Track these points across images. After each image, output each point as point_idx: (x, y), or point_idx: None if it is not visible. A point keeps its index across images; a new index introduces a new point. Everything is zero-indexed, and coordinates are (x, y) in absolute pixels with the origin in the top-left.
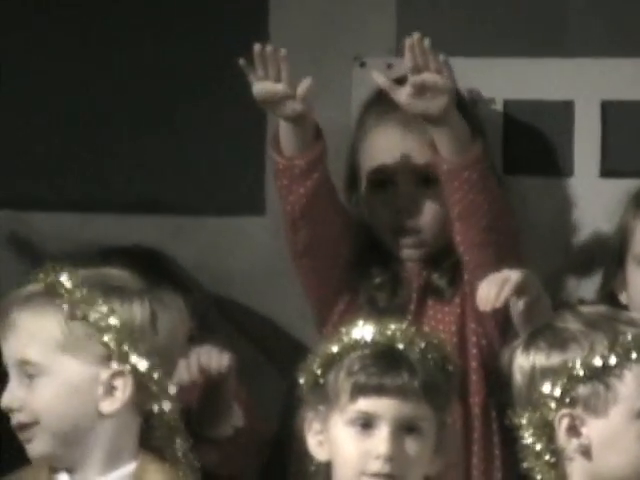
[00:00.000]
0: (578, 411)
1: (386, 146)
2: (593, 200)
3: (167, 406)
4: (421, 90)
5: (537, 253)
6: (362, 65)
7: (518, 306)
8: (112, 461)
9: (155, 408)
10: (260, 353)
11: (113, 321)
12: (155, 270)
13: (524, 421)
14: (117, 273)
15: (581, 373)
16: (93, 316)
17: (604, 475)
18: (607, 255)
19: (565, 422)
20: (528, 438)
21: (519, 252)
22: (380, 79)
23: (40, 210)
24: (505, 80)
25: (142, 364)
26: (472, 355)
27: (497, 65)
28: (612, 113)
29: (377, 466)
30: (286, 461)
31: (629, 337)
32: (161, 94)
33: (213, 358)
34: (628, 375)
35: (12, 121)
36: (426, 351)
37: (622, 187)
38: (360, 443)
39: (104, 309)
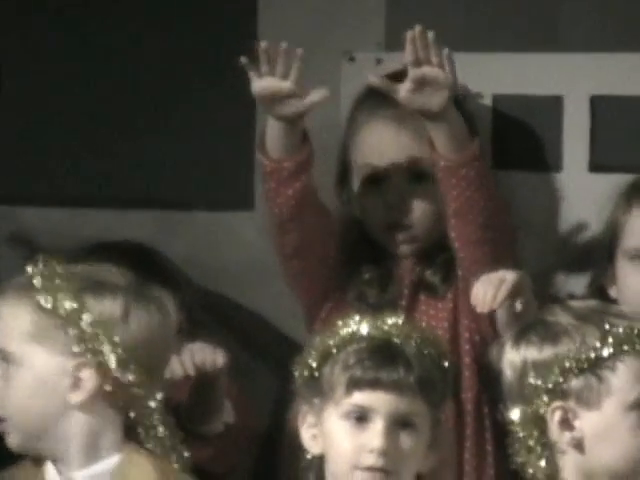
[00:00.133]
0: (571, 404)
1: (378, 142)
2: (582, 195)
3: (150, 400)
4: (421, 84)
5: (526, 248)
6: (351, 60)
7: (515, 307)
8: (92, 454)
9: (132, 401)
10: (249, 348)
11: (81, 314)
12: (144, 265)
13: (516, 416)
14: (101, 268)
15: (574, 366)
16: (62, 308)
17: (597, 468)
18: (597, 250)
19: (558, 415)
20: (520, 432)
21: (515, 249)
22: (374, 79)
23: (30, 205)
24: (494, 75)
25: (110, 357)
26: (465, 351)
27: (486, 60)
28: (601, 108)
29: (371, 460)
30: (277, 456)
31: (621, 329)
32: (152, 91)
33: (207, 355)
34: (621, 367)
35: (3, 118)
36: (422, 346)
37: (611, 182)
38: (354, 437)
39: (74, 302)
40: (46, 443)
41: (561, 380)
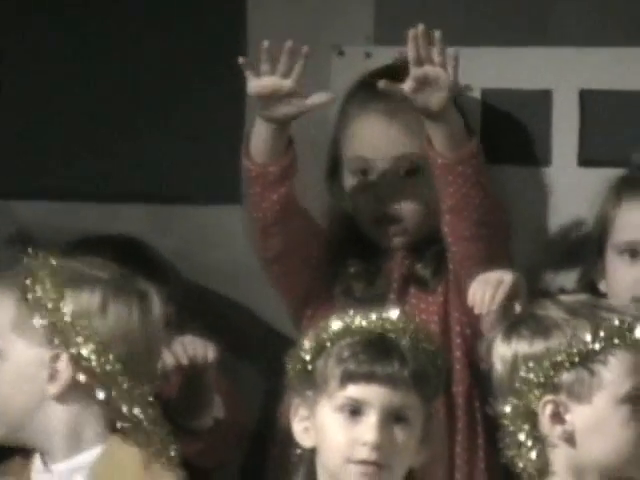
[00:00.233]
0: (562, 398)
1: (369, 135)
2: (571, 189)
3: (135, 394)
4: (422, 83)
5: (515, 242)
6: (340, 54)
7: (515, 309)
8: (74, 445)
9: (114, 394)
10: (239, 341)
11: (59, 306)
12: (134, 259)
13: (506, 409)
14: (87, 261)
15: (565, 360)
16: (42, 300)
17: (588, 461)
18: (586, 244)
19: (549, 409)
20: (510, 426)
21: (508, 246)
22: (383, 84)
23: (23, 199)
24: (483, 69)
25: (85, 349)
26: (456, 344)
27: (475, 54)
28: (590, 102)
29: (364, 453)
30: (267, 450)
31: (612, 323)
32: (141, 86)
33: (198, 348)
34: (612, 360)
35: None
36: (417, 341)
37: (600, 176)
38: (348, 430)
39: (54, 294)
40: (29, 435)
41: (552, 374)
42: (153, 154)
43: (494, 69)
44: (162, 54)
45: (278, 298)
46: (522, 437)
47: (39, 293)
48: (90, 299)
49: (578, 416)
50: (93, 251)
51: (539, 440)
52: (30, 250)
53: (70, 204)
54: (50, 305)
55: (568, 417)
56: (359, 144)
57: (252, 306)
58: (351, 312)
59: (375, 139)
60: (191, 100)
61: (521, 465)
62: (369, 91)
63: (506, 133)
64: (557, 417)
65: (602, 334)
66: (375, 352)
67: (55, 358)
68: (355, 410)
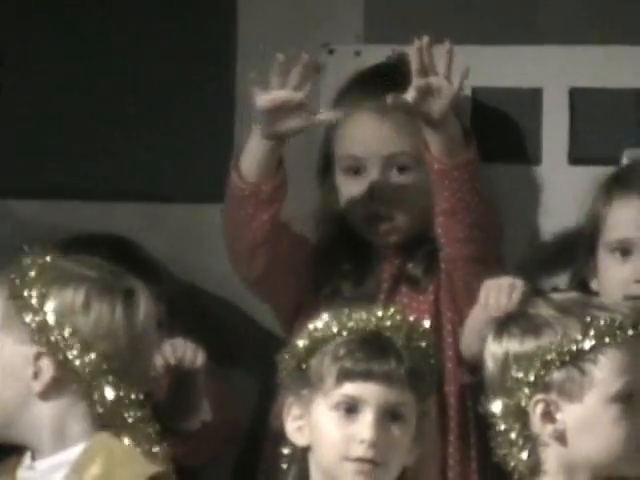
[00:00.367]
0: (553, 396)
1: (361, 133)
2: (561, 187)
3: (107, 391)
4: (425, 93)
5: (506, 241)
6: (330, 52)
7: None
8: (60, 442)
9: (90, 391)
10: (229, 340)
11: (43, 303)
12: (125, 258)
13: (498, 408)
14: (77, 259)
15: (555, 358)
16: (28, 297)
17: (579, 460)
18: (577, 243)
19: (540, 408)
20: (502, 425)
21: (499, 248)
22: (391, 98)
23: (10, 198)
24: (473, 67)
25: (66, 347)
26: (448, 344)
27: (465, 52)
28: (580, 100)
29: (360, 451)
30: (260, 450)
31: (602, 321)
32: (131, 85)
33: (187, 352)
34: (602, 359)
35: None
36: (411, 338)
37: (590, 174)
38: (344, 428)
39: (39, 291)
40: (17, 432)
41: (543, 373)
42: (144, 153)
43: (484, 67)
44: (151, 56)
45: None
46: (513, 436)
47: (26, 291)
48: (74, 297)
49: (569, 415)
50: (83, 250)
51: (530, 439)
52: (26, 248)
53: (61, 203)
54: (35, 303)
55: (559, 416)
56: (351, 143)
57: (244, 305)
58: (345, 310)
59: (367, 138)
60: (181, 100)
61: (512, 464)
62: (361, 90)
63: (496, 131)
64: (548, 416)
65: (592, 333)
66: (371, 350)
67: (38, 356)
68: (351, 408)
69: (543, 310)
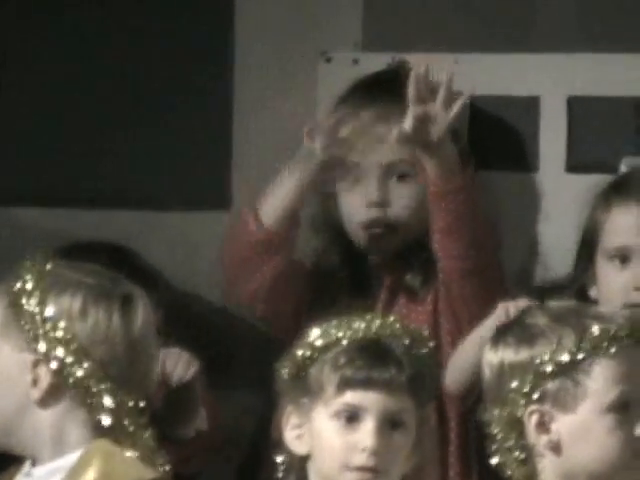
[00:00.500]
0: (547, 407)
1: (360, 140)
2: (559, 195)
3: (105, 398)
4: (422, 121)
5: (504, 248)
6: (328, 60)
7: None
8: (58, 450)
9: (88, 398)
10: (226, 347)
11: (41, 310)
12: (121, 265)
13: (494, 417)
14: (76, 266)
15: (549, 369)
16: (26, 304)
17: (575, 470)
18: (576, 250)
19: (534, 418)
20: (498, 434)
21: (498, 260)
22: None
23: (9, 205)
24: (472, 75)
25: (63, 354)
26: (447, 355)
27: (464, 60)
28: (578, 109)
29: (362, 459)
30: (260, 461)
31: (596, 332)
32: (127, 90)
33: (180, 364)
34: (596, 370)
35: None
36: (411, 345)
37: (588, 182)
38: (345, 436)
39: (37, 298)
40: (16, 440)
41: (537, 383)
42: (142, 160)
43: (483, 75)
44: (147, 61)
45: None
46: (509, 445)
47: (24, 299)
48: (71, 304)
49: (563, 425)
50: (81, 258)
51: (526, 448)
52: (28, 256)
53: (58, 210)
54: (33, 310)
55: (553, 426)
56: (350, 150)
57: (238, 310)
58: (344, 318)
59: (366, 145)
60: (179, 108)
61: (509, 473)
62: (360, 97)
63: (494, 139)
64: (542, 426)
65: (586, 343)
66: (372, 357)
67: (36, 363)
68: (352, 416)
69: (539, 319)
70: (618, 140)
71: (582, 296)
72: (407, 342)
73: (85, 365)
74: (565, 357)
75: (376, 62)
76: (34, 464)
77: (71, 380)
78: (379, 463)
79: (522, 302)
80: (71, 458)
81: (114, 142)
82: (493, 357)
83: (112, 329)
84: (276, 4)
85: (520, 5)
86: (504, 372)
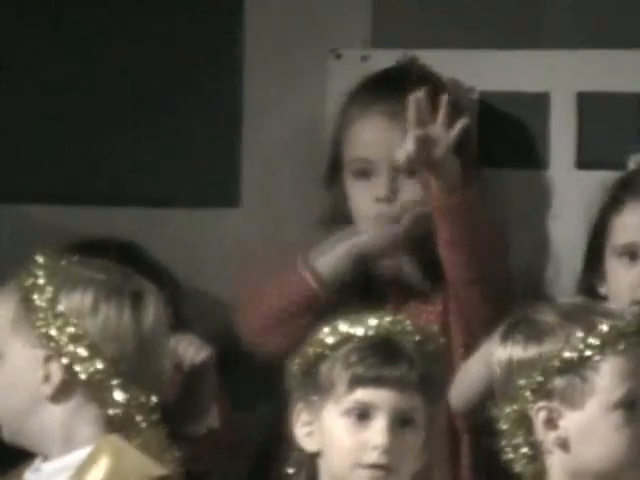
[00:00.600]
0: (555, 404)
1: (370, 136)
2: (569, 192)
3: (116, 394)
4: (423, 142)
5: (513, 245)
6: (337, 57)
7: None
8: (68, 446)
9: (100, 394)
10: (234, 346)
11: (53, 307)
12: (129, 262)
13: (502, 413)
14: (87, 262)
15: (557, 365)
16: (38, 300)
17: (583, 467)
18: (586, 247)
19: (542, 415)
20: (507, 431)
21: (506, 266)
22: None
23: (15, 203)
24: (481, 72)
25: (74, 350)
26: (459, 355)
27: (473, 57)
28: (588, 105)
29: (373, 457)
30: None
31: (604, 329)
32: (134, 87)
33: (191, 348)
34: (604, 367)
35: None
36: (422, 343)
37: (598, 179)
38: (356, 434)
39: (49, 294)
40: (27, 435)
41: (545, 380)
42: (147, 157)
43: (492, 72)
44: (156, 57)
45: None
46: (518, 442)
47: (35, 295)
48: (82, 300)
49: (571, 422)
50: (89, 255)
51: (535, 445)
52: (38, 252)
53: (64, 208)
54: (44, 306)
55: (561, 423)
56: (360, 146)
57: None
58: (355, 316)
59: (376, 141)
60: (186, 104)
61: (518, 469)
62: (370, 93)
63: (504, 136)
64: (550, 423)
65: (594, 340)
66: (383, 355)
67: (48, 359)
68: (363, 414)
69: (547, 316)
70: (629, 136)
71: (591, 293)
72: (417, 339)
73: (96, 361)
74: (573, 354)
75: (385, 59)
76: (45, 460)
77: (82, 376)
78: (390, 461)
79: None
80: (80, 455)
81: (121, 139)
82: (502, 354)
83: (123, 325)
84: (285, 2)
85: (529, 1)
86: (513, 369)
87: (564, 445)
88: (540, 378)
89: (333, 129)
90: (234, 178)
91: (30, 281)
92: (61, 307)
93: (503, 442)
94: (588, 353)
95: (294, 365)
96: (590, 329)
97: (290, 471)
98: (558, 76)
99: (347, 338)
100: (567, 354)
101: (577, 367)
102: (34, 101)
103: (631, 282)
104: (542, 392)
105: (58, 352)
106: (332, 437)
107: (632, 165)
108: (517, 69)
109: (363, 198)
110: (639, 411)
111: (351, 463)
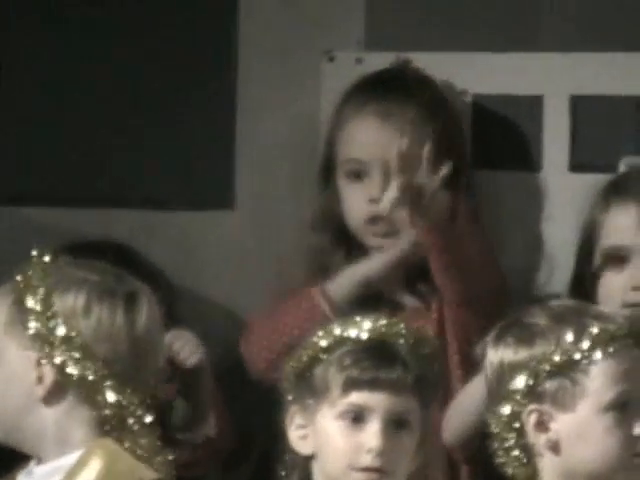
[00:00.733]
0: (546, 406)
1: (364, 137)
2: (562, 195)
3: (109, 395)
4: (407, 189)
5: (506, 248)
6: (331, 59)
7: None
8: (61, 449)
9: (92, 395)
10: (230, 348)
11: (45, 308)
12: (123, 264)
13: (494, 416)
14: (80, 264)
15: (547, 368)
16: (30, 302)
17: (574, 470)
18: (577, 250)
19: (533, 418)
20: (499, 433)
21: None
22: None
23: (10, 205)
24: (474, 74)
25: (66, 351)
26: (455, 362)
27: (466, 59)
28: (581, 108)
29: (368, 460)
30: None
31: (595, 331)
32: (130, 90)
33: (186, 348)
34: (594, 369)
35: None
36: (416, 346)
37: (591, 181)
38: (351, 437)
39: (42, 296)
40: (22, 437)
41: (535, 382)
42: (144, 160)
43: (485, 74)
44: (150, 59)
45: (267, 303)
46: (509, 444)
47: (29, 296)
48: (75, 301)
49: (562, 425)
50: (84, 256)
51: (526, 448)
52: (34, 253)
53: (60, 209)
54: (37, 308)
55: (552, 426)
56: (353, 147)
57: (240, 311)
58: (349, 318)
59: (369, 142)
60: (180, 106)
61: (510, 472)
62: (363, 94)
63: (497, 138)
64: (542, 426)
65: (585, 342)
66: (377, 358)
67: (40, 361)
68: (358, 417)
69: (539, 319)
70: (622, 139)
71: (582, 296)
72: (412, 342)
73: (89, 363)
74: (563, 357)
75: (379, 61)
76: (39, 463)
77: (74, 378)
78: (385, 464)
79: None
80: (73, 457)
81: (116, 142)
82: (493, 357)
83: (116, 327)
84: (279, 4)
85: (523, 4)
86: (504, 371)
87: (555, 448)
88: (531, 381)
89: (327, 130)
90: (228, 180)
91: (23, 283)
92: (54, 308)
93: (495, 445)
94: (579, 356)
95: (288, 368)
96: (581, 331)
97: (283, 474)
98: (551, 79)
99: (341, 341)
100: (558, 357)
101: (568, 370)
102: (32, 102)
103: (620, 285)
104: (533, 395)
105: (50, 353)
106: (327, 440)
107: (623, 168)
108: (510, 72)
109: (356, 199)
110: (630, 413)
111: (346, 466)
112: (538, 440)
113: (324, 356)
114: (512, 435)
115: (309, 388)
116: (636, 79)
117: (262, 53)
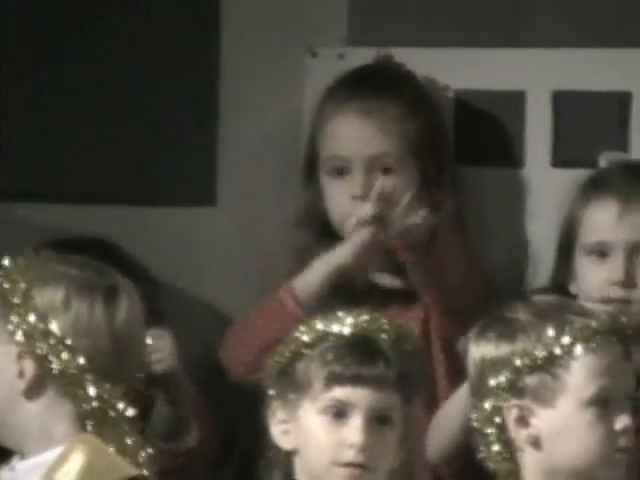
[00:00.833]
0: (527, 402)
1: (346, 134)
2: (545, 190)
3: (90, 390)
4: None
5: (488, 244)
6: (314, 55)
7: None
8: (44, 444)
9: (73, 390)
10: (213, 344)
11: (25, 303)
12: (107, 260)
13: (476, 412)
14: (61, 259)
15: (528, 363)
16: (10, 296)
17: (556, 465)
18: (557, 245)
19: (514, 413)
20: (481, 428)
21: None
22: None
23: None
24: (456, 70)
25: (45, 345)
26: (439, 361)
27: (448, 55)
28: (563, 103)
29: (350, 456)
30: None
31: (576, 327)
32: (112, 85)
33: (158, 354)
34: (575, 365)
35: None
36: (399, 342)
37: (573, 177)
38: (333, 432)
39: (20, 291)
40: (6, 433)
41: (516, 378)
42: (127, 157)
43: (467, 70)
44: (131, 56)
45: (253, 299)
46: (491, 439)
47: (9, 291)
48: (54, 296)
49: (543, 420)
50: (66, 253)
51: (508, 443)
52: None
53: (44, 205)
54: (17, 302)
55: (533, 421)
56: (335, 143)
57: (222, 307)
58: (332, 314)
59: (351, 138)
60: (165, 104)
61: (492, 466)
62: (346, 91)
63: (479, 134)
64: (522, 421)
65: (565, 338)
66: (360, 353)
67: (21, 355)
68: (340, 412)
69: (520, 314)
70: (604, 135)
71: (562, 292)
72: (394, 337)
73: (68, 357)
74: (544, 352)
75: (362, 57)
76: (22, 459)
77: (55, 372)
78: (367, 459)
79: None
80: (55, 453)
81: (100, 138)
82: (475, 352)
83: (95, 321)
84: (262, 0)
85: (505, 0)
86: (485, 367)
87: (536, 443)
88: (511, 376)
89: (309, 127)
90: (210, 177)
91: (4, 277)
92: (33, 302)
93: (477, 440)
94: (560, 351)
95: (271, 363)
96: (562, 327)
97: (265, 469)
98: (534, 75)
99: (324, 336)
100: (538, 352)
101: (549, 365)
102: (14, 100)
103: (600, 280)
104: (514, 390)
105: (31, 348)
106: (309, 435)
107: (603, 163)
108: (493, 67)
109: (338, 196)
110: (612, 409)
111: (328, 461)
112: (519, 435)
113: (306, 351)
114: (493, 430)
115: (291, 383)
116: (618, 75)
117: (245, 49)
